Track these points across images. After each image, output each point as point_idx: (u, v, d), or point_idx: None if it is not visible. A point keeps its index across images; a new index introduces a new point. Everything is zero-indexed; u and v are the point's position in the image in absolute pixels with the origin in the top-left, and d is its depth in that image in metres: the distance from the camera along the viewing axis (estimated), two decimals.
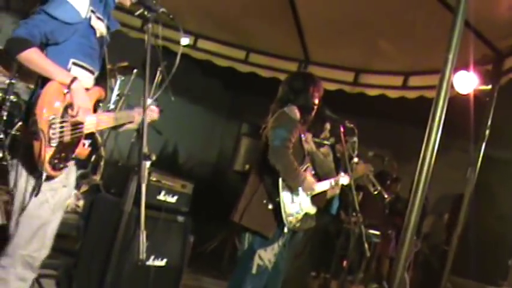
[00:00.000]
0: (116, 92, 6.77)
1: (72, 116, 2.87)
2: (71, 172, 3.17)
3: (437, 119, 2.71)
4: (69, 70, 2.94)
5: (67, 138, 2.87)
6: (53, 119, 2.75)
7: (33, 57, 2.77)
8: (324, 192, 4.75)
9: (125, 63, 6.78)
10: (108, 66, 3.40)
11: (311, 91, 4.56)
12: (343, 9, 6.94)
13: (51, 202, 2.95)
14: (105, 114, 3.28)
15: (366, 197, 6.80)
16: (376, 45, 7.22)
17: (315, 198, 4.60)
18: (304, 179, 4.37)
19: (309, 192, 4.45)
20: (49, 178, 2.84)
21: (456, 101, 5.64)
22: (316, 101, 4.59)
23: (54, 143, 2.76)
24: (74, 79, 2.84)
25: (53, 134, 2.74)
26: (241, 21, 7.94)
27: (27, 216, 2.88)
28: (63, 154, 2.86)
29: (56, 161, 2.80)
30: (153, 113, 3.63)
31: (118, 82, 6.88)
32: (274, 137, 4.29)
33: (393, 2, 6.43)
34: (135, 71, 6.85)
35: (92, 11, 3.03)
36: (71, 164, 3.13)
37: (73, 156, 2.99)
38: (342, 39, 7.58)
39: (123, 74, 6.94)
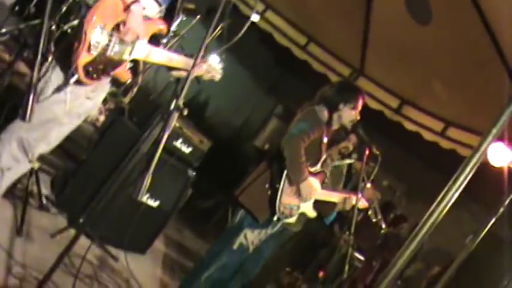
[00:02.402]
0: (172, 28, 6.73)
1: (121, 34, 2.88)
2: (101, 88, 3.20)
3: (458, 183, 2.68)
4: None
5: (110, 53, 2.90)
6: (100, 28, 2.76)
7: None
8: (334, 204, 4.74)
9: (191, 5, 6.72)
10: None
11: (347, 103, 4.48)
12: (412, 36, 6.81)
13: (68, 104, 2.97)
14: (160, 50, 3.28)
15: (364, 220, 6.77)
16: (431, 83, 7.12)
17: (322, 205, 4.61)
18: (305, 178, 4.28)
19: (305, 197, 4.37)
20: (78, 82, 2.84)
21: (487, 166, 5.53)
22: (347, 114, 4.50)
23: (94, 51, 2.78)
24: (136, 1, 2.86)
25: (96, 42, 2.75)
26: (315, 9, 7.85)
27: (41, 106, 2.88)
28: (101, 66, 2.89)
29: (91, 69, 2.82)
30: (216, 73, 3.66)
31: (178, 20, 6.84)
32: (296, 126, 4.29)
33: (463, 49, 6.30)
34: (198, 16, 6.79)
35: None
36: (106, 81, 3.17)
37: (112, 73, 3.01)
38: (401, 65, 7.45)
39: (186, 15, 6.89)
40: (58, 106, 2.95)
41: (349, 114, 4.50)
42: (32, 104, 1.92)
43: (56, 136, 3.13)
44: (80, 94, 3.01)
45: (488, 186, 5.42)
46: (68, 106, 2.97)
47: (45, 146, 3.11)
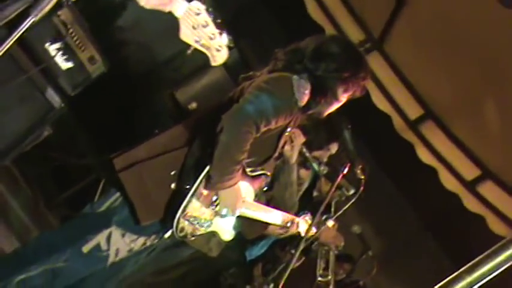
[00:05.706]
0: None
1: None
2: None
3: (478, 272, 2.48)
4: None
5: None
6: None
7: None
8: (265, 225, 4.62)
9: None
10: None
11: (346, 76, 4.32)
12: (477, 15, 6.56)
13: None
14: None
15: (302, 268, 6.67)
16: (481, 100, 7.01)
17: (247, 223, 4.47)
18: (232, 184, 4.06)
19: (225, 211, 4.18)
20: None
21: None
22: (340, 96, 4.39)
23: None
24: None
25: None
26: None
27: None
28: None
29: None
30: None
31: None
32: (253, 99, 4.03)
33: None
34: None
35: None
36: None
37: None
38: (441, 54, 7.30)
39: None
40: None
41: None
42: None
43: None
44: None
45: None
46: None
47: None
